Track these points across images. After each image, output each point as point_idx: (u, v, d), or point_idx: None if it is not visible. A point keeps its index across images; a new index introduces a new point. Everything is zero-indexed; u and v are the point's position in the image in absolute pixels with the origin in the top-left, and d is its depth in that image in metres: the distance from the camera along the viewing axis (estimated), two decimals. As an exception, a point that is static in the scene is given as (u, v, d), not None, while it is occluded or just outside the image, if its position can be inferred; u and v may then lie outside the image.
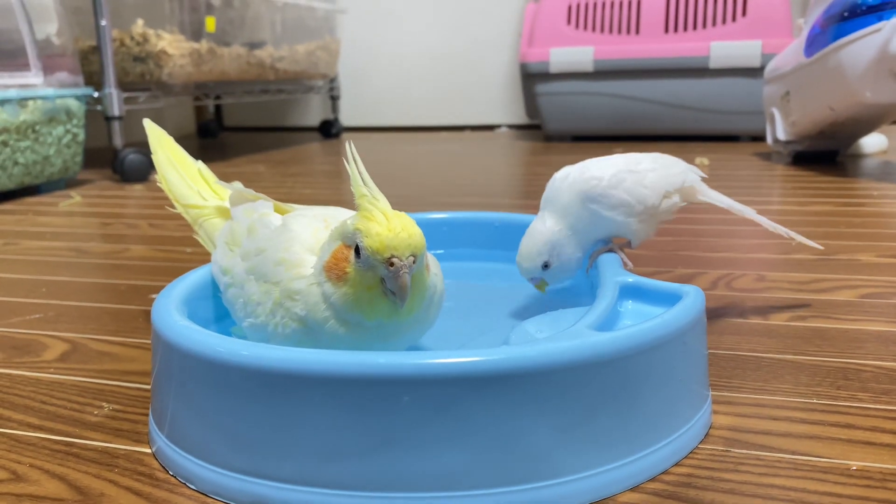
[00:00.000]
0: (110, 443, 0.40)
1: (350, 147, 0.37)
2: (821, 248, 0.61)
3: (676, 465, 0.37)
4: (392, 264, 0.34)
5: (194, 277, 0.47)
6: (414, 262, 0.34)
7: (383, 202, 0.36)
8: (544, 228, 0.51)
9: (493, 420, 0.32)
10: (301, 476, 0.33)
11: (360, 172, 0.36)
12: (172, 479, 0.37)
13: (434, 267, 0.39)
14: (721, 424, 0.41)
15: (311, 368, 0.32)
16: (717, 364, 0.48)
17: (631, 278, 0.44)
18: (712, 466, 0.36)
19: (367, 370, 0.32)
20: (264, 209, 0.46)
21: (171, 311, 0.40)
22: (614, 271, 0.45)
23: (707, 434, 0.39)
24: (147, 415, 0.43)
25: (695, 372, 0.39)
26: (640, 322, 0.36)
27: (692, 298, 0.39)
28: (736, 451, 0.38)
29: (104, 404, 0.45)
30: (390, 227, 0.34)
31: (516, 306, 0.54)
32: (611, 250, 0.50)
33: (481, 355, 0.32)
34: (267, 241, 0.41)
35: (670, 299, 0.40)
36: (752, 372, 0.47)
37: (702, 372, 0.40)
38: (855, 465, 0.36)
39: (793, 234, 0.56)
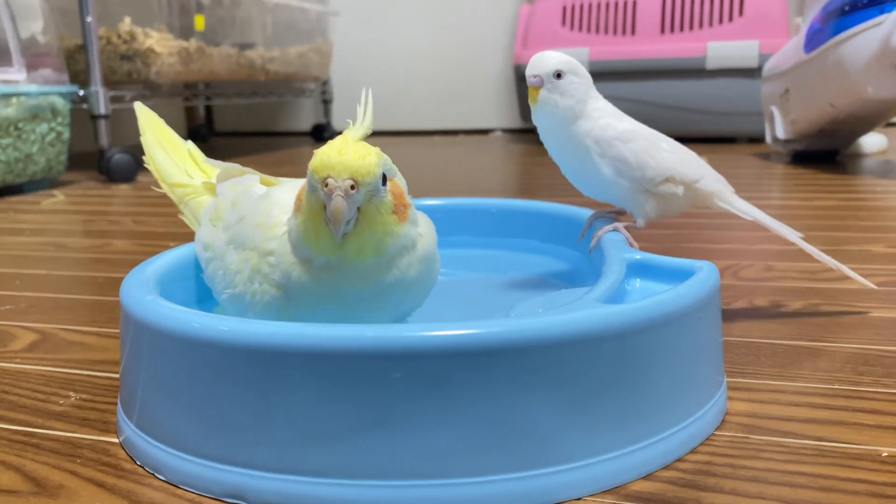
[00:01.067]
0: (74, 433, 0.37)
1: (366, 91, 0.35)
2: (874, 287, 0.52)
3: (692, 451, 0.33)
4: (327, 185, 0.31)
5: (170, 257, 0.44)
6: (354, 190, 0.31)
7: (357, 132, 0.33)
8: (589, 81, 0.47)
9: (493, 399, 0.29)
10: (280, 462, 0.30)
11: (364, 110, 0.34)
12: (140, 469, 0.33)
13: (424, 227, 0.36)
14: (738, 411, 0.37)
15: (291, 342, 0.29)
16: (729, 351, 0.45)
17: (639, 255, 0.41)
18: (731, 453, 0.33)
19: (353, 344, 0.29)
20: (249, 182, 0.44)
21: (141, 287, 0.37)
22: (620, 248, 0.42)
23: (723, 420, 0.36)
24: (116, 404, 0.40)
25: (710, 353, 0.36)
26: (652, 296, 0.33)
27: (706, 273, 0.36)
28: (756, 437, 0.35)
29: (71, 394, 0.42)
30: (338, 148, 0.32)
31: (515, 292, 0.51)
32: (615, 230, 0.47)
33: (480, 327, 0.29)
34: (247, 210, 0.39)
35: (682, 276, 0.37)
36: (766, 358, 0.44)
37: (717, 354, 0.37)
38: (886, 451, 0.33)
39: (842, 267, 0.50)
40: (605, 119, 0.47)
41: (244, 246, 0.37)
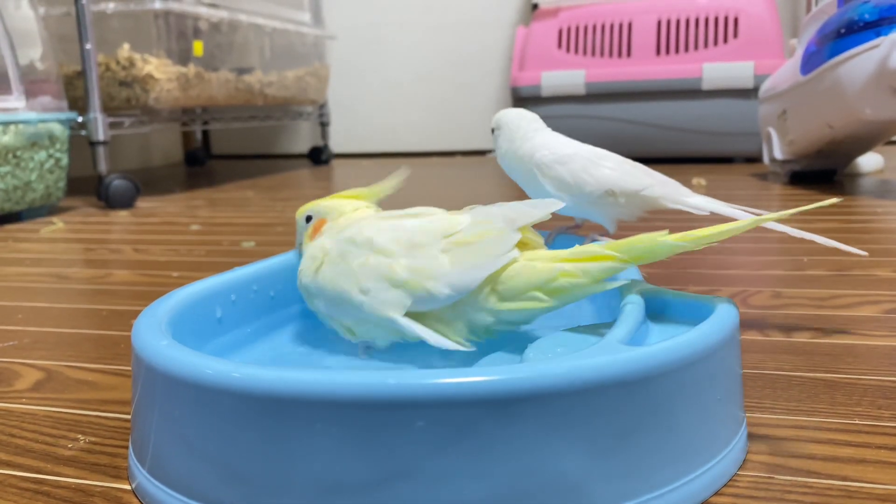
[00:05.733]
0: (85, 479, 0.36)
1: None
2: (864, 253, 0.57)
3: (717, 494, 0.33)
4: None
5: (182, 296, 0.43)
6: None
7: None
8: (529, 119, 0.58)
9: (518, 447, 0.28)
10: (300, 514, 0.29)
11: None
12: (154, 518, 0.33)
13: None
14: (759, 449, 0.37)
15: (311, 391, 0.29)
16: (745, 384, 0.45)
17: (655, 291, 0.40)
18: (757, 496, 0.33)
19: (375, 392, 0.28)
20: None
21: (154, 330, 0.36)
22: (637, 285, 0.42)
23: (745, 460, 0.36)
24: (127, 447, 0.39)
25: (732, 390, 0.35)
26: (674, 336, 0.33)
27: (726, 310, 0.36)
28: (780, 477, 0.34)
29: (80, 436, 0.41)
30: None
31: (524, 329, 0.51)
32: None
33: (506, 373, 0.28)
34: None
35: (700, 312, 0.37)
36: (783, 391, 0.44)
37: (738, 390, 0.37)
38: (913, 491, 0.33)
39: (829, 242, 0.54)
40: (547, 148, 0.56)
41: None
